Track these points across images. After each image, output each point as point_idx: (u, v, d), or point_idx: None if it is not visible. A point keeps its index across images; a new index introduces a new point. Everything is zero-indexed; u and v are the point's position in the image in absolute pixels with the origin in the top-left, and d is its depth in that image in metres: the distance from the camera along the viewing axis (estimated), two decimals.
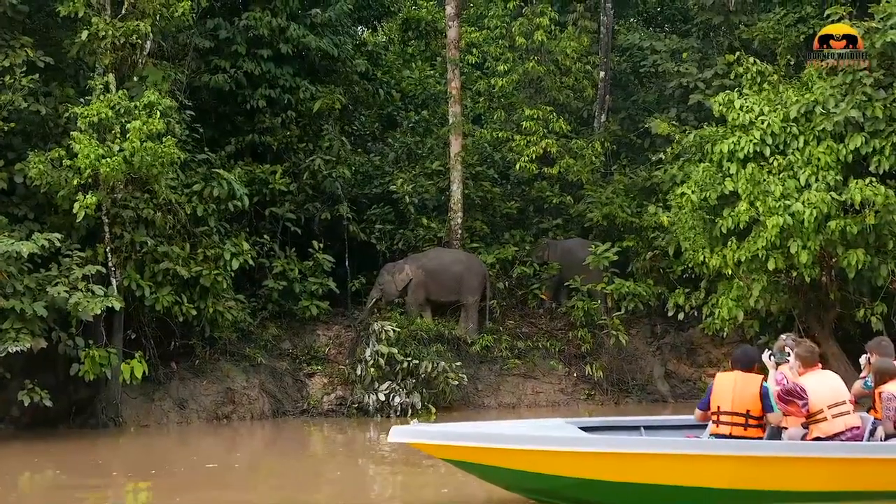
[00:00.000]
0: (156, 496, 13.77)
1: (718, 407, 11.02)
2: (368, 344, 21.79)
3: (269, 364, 22.28)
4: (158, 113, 18.88)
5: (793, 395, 10.85)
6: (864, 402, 11.49)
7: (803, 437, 10.93)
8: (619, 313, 23.35)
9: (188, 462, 16.51)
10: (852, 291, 19.81)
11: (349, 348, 22.80)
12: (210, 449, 18.79)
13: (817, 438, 10.82)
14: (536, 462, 10.70)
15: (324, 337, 23.31)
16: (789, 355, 11.31)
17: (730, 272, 19.74)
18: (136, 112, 18.85)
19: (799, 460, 10.62)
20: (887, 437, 10.90)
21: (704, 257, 20.09)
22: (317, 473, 15.54)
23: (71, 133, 18.72)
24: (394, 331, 21.66)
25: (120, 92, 19.14)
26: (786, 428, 11.06)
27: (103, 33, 19.15)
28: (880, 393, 10.96)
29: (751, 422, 10.92)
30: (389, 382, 21.35)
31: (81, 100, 19.43)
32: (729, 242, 19.57)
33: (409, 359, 21.52)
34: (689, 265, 21.24)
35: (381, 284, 23.13)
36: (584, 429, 11.76)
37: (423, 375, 21.43)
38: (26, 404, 18.46)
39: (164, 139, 18.87)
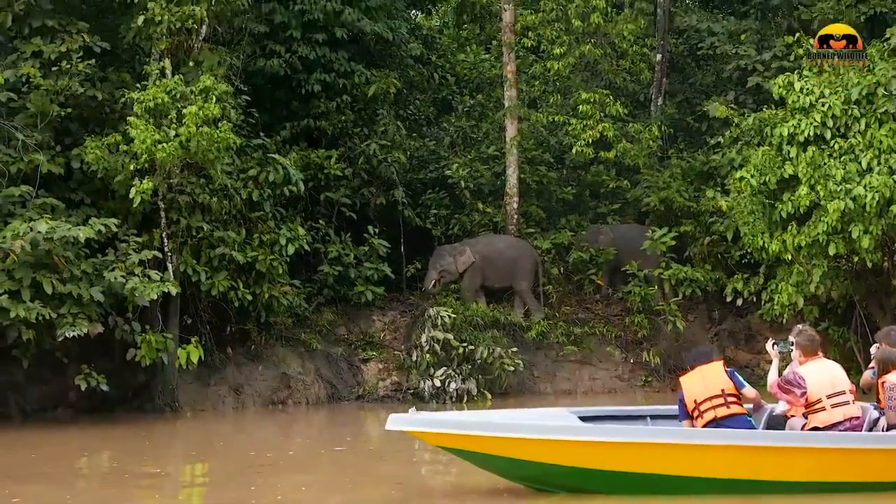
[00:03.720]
0: (213, 481, 13.77)
1: (695, 401, 10.99)
2: (424, 329, 21.74)
3: (325, 349, 22.27)
4: (214, 98, 18.88)
5: (791, 384, 10.82)
6: (874, 391, 11.36)
7: (803, 427, 10.86)
8: (676, 299, 23.18)
9: (245, 448, 16.50)
10: None
11: (404, 334, 22.77)
12: (266, 434, 18.81)
13: (815, 428, 10.76)
14: (529, 450, 10.75)
15: (379, 322, 23.28)
16: (793, 345, 11.19)
17: (789, 257, 19.49)
18: (192, 97, 18.87)
19: (796, 450, 10.58)
20: (889, 427, 10.78)
21: (764, 242, 19.79)
22: (372, 459, 15.49)
23: (127, 118, 18.75)
24: (449, 316, 21.60)
25: (176, 77, 19.16)
26: (793, 416, 11.00)
27: (159, 18, 19.16)
28: (883, 383, 10.86)
29: (730, 399, 10.92)
30: (445, 368, 21.33)
31: (137, 85, 19.43)
32: (789, 227, 19.29)
33: (465, 344, 21.49)
34: (748, 250, 20.97)
35: (442, 266, 23.03)
36: (588, 418, 11.68)
37: (478, 361, 21.40)
38: (83, 389, 18.54)
39: (219, 124, 18.88)
